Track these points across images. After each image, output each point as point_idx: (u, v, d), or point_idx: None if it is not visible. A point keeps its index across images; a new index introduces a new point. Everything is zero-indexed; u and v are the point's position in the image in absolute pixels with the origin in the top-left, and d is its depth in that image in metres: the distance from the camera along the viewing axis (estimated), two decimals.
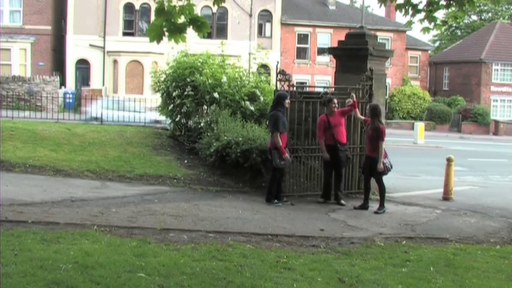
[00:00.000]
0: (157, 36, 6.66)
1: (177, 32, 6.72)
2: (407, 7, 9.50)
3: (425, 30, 10.15)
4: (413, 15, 9.64)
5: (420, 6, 9.55)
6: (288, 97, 12.47)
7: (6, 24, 41.04)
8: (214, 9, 44.28)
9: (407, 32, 51.97)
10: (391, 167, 12.51)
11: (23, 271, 6.34)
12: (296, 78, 42.90)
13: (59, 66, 42.76)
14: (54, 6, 42.57)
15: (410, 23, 10.12)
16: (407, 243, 9.43)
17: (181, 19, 6.72)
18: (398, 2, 9.59)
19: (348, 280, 7.01)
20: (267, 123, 13.89)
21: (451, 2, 9.51)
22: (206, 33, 6.82)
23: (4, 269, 6.36)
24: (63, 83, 40.67)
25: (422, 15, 9.69)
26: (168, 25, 6.66)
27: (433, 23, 9.82)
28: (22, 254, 7.04)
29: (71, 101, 35.16)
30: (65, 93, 36.09)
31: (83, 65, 43.00)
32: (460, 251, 9.00)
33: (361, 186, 13.45)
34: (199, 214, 10.62)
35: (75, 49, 42.44)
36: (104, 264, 6.82)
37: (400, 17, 55.49)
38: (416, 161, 25.82)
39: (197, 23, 6.72)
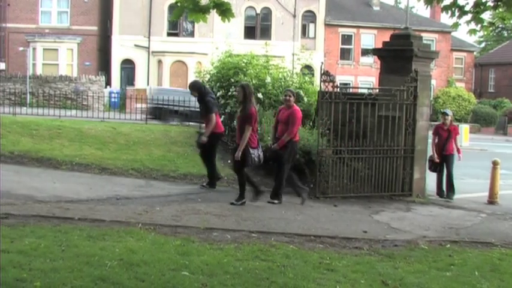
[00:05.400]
0: (178, 16, 6.91)
1: (199, 11, 6.81)
2: (453, 9, 9.35)
3: (472, 32, 9.99)
4: (459, 16, 9.47)
5: (467, 8, 9.40)
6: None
7: (54, 25, 41.97)
8: (258, 9, 44.43)
9: (452, 33, 51.25)
10: (260, 161, 11.53)
11: (70, 266, 6.45)
12: (340, 79, 42.63)
13: (104, 66, 43.37)
14: (101, 7, 43.21)
15: (456, 24, 9.94)
16: (452, 246, 9.32)
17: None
18: (444, 3, 9.46)
19: (391, 283, 6.97)
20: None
21: (499, 3, 9.35)
22: (229, 19, 6.90)
23: (52, 263, 6.50)
24: (108, 82, 41.24)
25: (468, 16, 9.53)
26: (192, 5, 6.75)
27: (479, 25, 9.66)
28: (69, 249, 7.17)
29: (116, 100, 35.65)
30: (110, 93, 36.58)
31: (128, 65, 43.49)
32: (505, 256, 8.86)
33: (405, 188, 13.34)
34: (243, 214, 10.67)
35: (120, 49, 42.99)
36: (149, 262, 6.89)
37: (445, 18, 54.93)
38: (460, 164, 25.33)
39: (222, 8, 6.79)
